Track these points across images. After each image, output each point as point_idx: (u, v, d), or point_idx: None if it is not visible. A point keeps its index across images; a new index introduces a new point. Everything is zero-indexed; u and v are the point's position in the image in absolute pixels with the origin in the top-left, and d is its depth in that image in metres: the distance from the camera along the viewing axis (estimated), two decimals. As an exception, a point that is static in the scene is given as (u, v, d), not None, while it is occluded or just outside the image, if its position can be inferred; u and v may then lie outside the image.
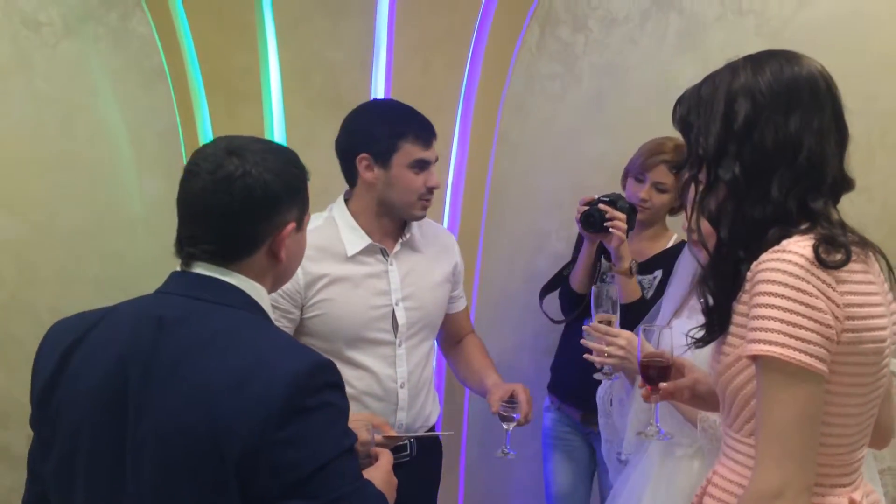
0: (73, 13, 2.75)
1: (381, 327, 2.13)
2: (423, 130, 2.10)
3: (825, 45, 2.81)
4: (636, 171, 2.56)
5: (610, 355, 2.01)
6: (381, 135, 2.08)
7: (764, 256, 1.31)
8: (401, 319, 2.14)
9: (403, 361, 2.15)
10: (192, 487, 1.24)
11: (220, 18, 2.62)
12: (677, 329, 1.75)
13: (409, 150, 2.07)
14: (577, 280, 2.59)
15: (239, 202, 1.30)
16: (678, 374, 1.71)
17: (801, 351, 1.24)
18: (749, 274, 1.33)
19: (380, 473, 1.50)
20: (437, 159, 2.14)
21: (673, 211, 2.60)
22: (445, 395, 2.92)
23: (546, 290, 2.74)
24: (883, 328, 1.34)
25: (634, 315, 2.31)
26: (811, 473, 1.28)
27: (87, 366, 1.34)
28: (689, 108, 1.44)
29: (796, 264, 1.27)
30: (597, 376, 2.11)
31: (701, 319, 1.60)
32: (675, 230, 2.64)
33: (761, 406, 1.29)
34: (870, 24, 2.90)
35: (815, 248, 1.28)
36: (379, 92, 2.69)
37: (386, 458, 1.55)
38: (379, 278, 2.13)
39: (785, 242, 1.31)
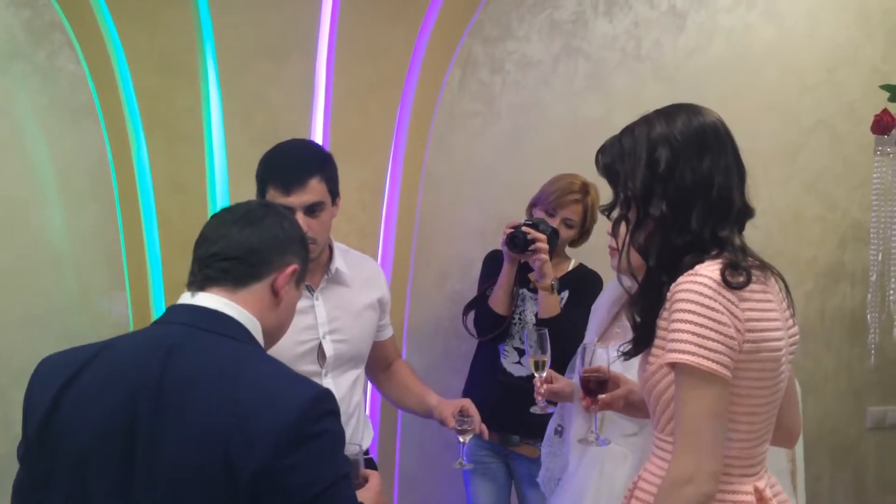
0: (0, 52, 2.68)
1: (307, 360, 2.12)
2: (282, 177, 2.04)
3: (712, 89, 3.11)
4: (547, 206, 2.71)
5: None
6: (257, 181, 2.10)
7: (680, 279, 1.49)
8: (328, 352, 2.14)
9: (331, 390, 2.17)
10: None
11: (161, 58, 2.58)
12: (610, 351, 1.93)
13: (272, 195, 2.04)
14: (497, 301, 2.69)
15: (260, 230, 1.45)
16: (614, 387, 1.89)
17: (708, 359, 1.43)
18: (668, 294, 1.51)
19: (371, 494, 1.56)
20: (308, 207, 2.03)
21: (573, 243, 2.79)
22: (381, 418, 3.01)
23: (469, 307, 2.82)
24: (778, 339, 1.52)
25: (554, 328, 2.43)
26: (719, 462, 1.45)
27: (91, 400, 1.34)
28: (613, 158, 1.61)
29: (706, 286, 1.45)
30: (533, 410, 2.23)
31: (612, 347, 1.87)
32: (574, 257, 2.81)
33: (677, 406, 1.48)
34: (749, 71, 3.20)
35: (722, 272, 1.47)
36: (317, 132, 2.71)
37: (375, 480, 1.60)
38: (305, 314, 2.11)
39: (697, 267, 1.49)
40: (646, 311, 1.59)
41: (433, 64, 2.91)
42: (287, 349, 2.03)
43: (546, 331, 2.18)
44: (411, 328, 3.07)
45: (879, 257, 2.86)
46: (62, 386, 1.36)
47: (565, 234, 2.71)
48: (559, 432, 2.48)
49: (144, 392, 1.32)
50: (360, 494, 1.50)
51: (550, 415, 2.43)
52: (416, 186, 2.99)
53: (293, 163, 2.08)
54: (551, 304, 2.62)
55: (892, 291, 2.79)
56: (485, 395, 2.71)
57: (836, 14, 3.27)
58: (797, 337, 1.64)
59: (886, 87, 2.68)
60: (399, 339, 3.03)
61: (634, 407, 1.89)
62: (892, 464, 3.45)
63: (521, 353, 2.73)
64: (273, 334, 1.50)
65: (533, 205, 2.78)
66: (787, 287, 1.62)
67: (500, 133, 3.13)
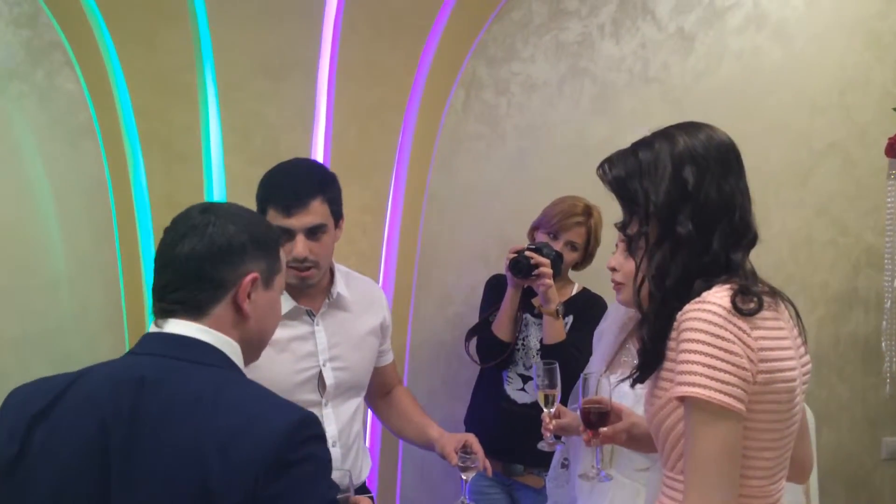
0: (-1, 71, 2.65)
1: (307, 389, 2.04)
2: (283, 198, 1.95)
3: (722, 111, 3.03)
4: (550, 229, 2.64)
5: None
6: (257, 200, 2.00)
7: (688, 307, 1.40)
8: (328, 380, 2.05)
9: (332, 421, 2.06)
10: None
11: (159, 78, 2.54)
12: (615, 382, 1.84)
13: (273, 216, 1.94)
14: (500, 327, 2.61)
15: (203, 246, 1.33)
16: (616, 419, 1.78)
17: (720, 392, 1.33)
18: (675, 322, 1.41)
19: None
20: (309, 229, 1.95)
21: (577, 266, 2.71)
22: (381, 447, 2.93)
23: (471, 334, 2.74)
24: (792, 369, 1.43)
25: (559, 354, 2.38)
26: (732, 503, 1.35)
27: (63, 433, 1.27)
28: (628, 172, 1.51)
29: (715, 314, 1.36)
30: (540, 446, 2.12)
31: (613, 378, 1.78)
32: (577, 280, 2.74)
33: (688, 442, 1.38)
34: (759, 93, 3.14)
35: (732, 299, 1.37)
36: (318, 153, 2.67)
37: None
38: (305, 340, 2.04)
39: (705, 294, 1.40)
40: (656, 333, 1.48)
41: (437, 85, 2.86)
42: (286, 377, 1.99)
43: (556, 364, 2.07)
44: (413, 353, 3.00)
45: (894, 283, 2.77)
46: (32, 420, 1.30)
47: (569, 257, 2.64)
48: (566, 465, 2.39)
49: (116, 427, 1.25)
50: None
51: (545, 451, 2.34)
52: (418, 209, 2.93)
53: (294, 183, 1.98)
54: (557, 329, 2.54)
55: (907, 318, 2.70)
56: (487, 422, 2.64)
57: (846, 37, 3.21)
58: (809, 366, 1.55)
59: (900, 109, 2.61)
60: (400, 363, 2.97)
61: (638, 441, 1.79)
62: (909, 497, 3.34)
63: (525, 379, 2.65)
64: (257, 343, 1.41)
65: (535, 228, 2.72)
66: (797, 314, 1.53)
67: (505, 155, 3.07)
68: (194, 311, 1.33)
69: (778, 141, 3.15)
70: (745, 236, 1.48)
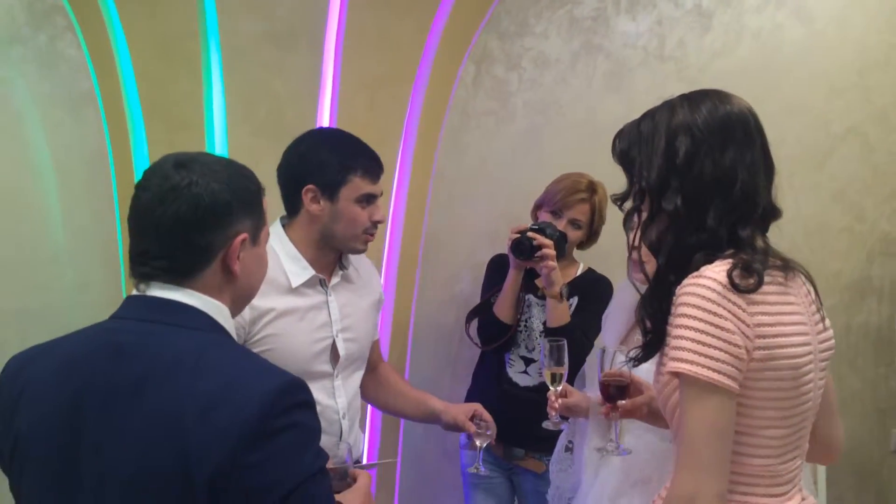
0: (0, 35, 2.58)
1: (321, 360, 2.02)
2: (372, 165, 1.99)
3: (739, 91, 2.92)
4: (553, 206, 2.55)
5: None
6: (329, 167, 1.96)
7: (685, 281, 1.36)
8: (341, 351, 2.03)
9: (342, 392, 2.06)
10: None
11: (163, 44, 2.46)
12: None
13: (358, 185, 1.96)
14: (502, 309, 2.54)
15: (186, 211, 1.22)
16: (636, 393, 1.75)
17: (709, 368, 1.29)
18: (674, 297, 1.37)
19: (359, 496, 1.42)
20: (382, 193, 2.04)
21: (581, 245, 2.63)
22: (382, 432, 2.88)
23: (472, 315, 2.68)
24: (798, 345, 1.38)
25: (564, 337, 2.24)
26: (723, 481, 1.31)
27: (34, 401, 1.22)
28: (630, 144, 1.47)
29: (710, 288, 1.32)
30: (545, 425, 2.08)
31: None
32: (581, 260, 2.67)
33: (679, 419, 1.35)
34: (777, 73, 3.05)
35: (729, 274, 1.32)
36: (324, 124, 2.61)
37: (364, 480, 1.47)
38: (320, 310, 2.02)
39: (703, 268, 1.35)
40: (655, 312, 1.45)
41: (446, 58, 2.78)
42: (305, 347, 1.97)
43: (564, 342, 2.02)
44: (416, 332, 2.94)
45: (912, 271, 2.70)
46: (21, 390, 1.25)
47: (573, 235, 2.55)
48: (570, 448, 2.34)
49: (91, 395, 1.19)
50: (347, 495, 1.37)
51: (561, 430, 2.28)
52: (425, 185, 2.86)
53: (371, 152, 2.02)
54: (561, 312, 2.46)
55: (924, 307, 2.63)
56: (488, 405, 2.55)
57: (868, 17, 3.11)
58: (832, 342, 1.48)
59: (924, 91, 2.53)
60: (403, 342, 2.91)
61: (657, 416, 1.74)
62: (918, 489, 3.28)
63: (528, 362, 2.59)
64: (246, 298, 1.35)
65: (538, 206, 2.63)
66: (815, 288, 1.46)
67: (515, 133, 2.99)
68: (179, 276, 1.25)
69: (795, 123, 3.06)
70: (752, 211, 1.40)
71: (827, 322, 1.49)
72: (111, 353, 1.21)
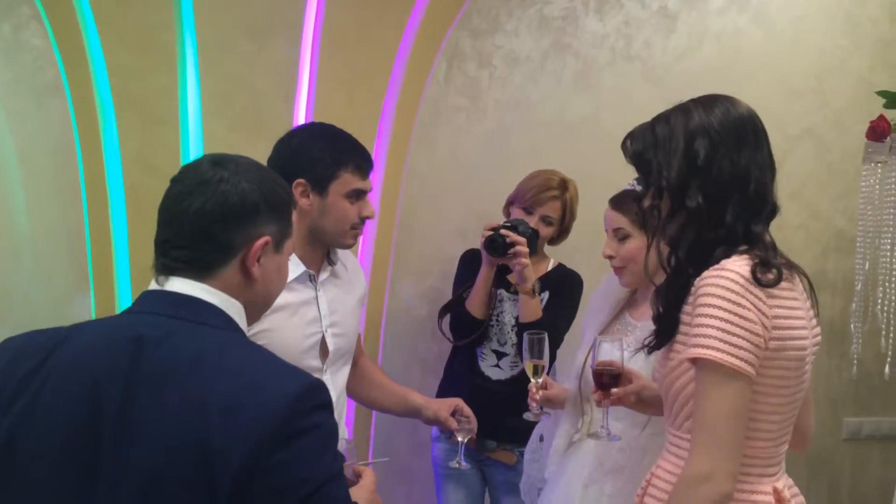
0: (-38, 23, 2.50)
1: (311, 354, 2.01)
2: (363, 161, 2.00)
3: (701, 92, 3.02)
4: (525, 203, 2.59)
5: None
6: (321, 162, 1.96)
7: (706, 273, 1.44)
8: (330, 346, 2.04)
9: (331, 387, 2.03)
10: None
11: (136, 36, 2.41)
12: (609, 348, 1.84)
13: (348, 180, 1.96)
14: (474, 304, 2.57)
15: (213, 204, 1.23)
16: (626, 382, 1.81)
17: (732, 355, 1.38)
18: (693, 288, 1.46)
19: (365, 493, 1.42)
20: (371, 189, 2.06)
21: (552, 241, 2.67)
22: (354, 426, 2.87)
23: (444, 310, 2.70)
24: (803, 338, 1.48)
25: None
26: (737, 462, 1.40)
27: (51, 394, 1.19)
28: (645, 146, 1.54)
29: (735, 281, 1.40)
30: (526, 416, 2.11)
31: (626, 341, 1.90)
32: (552, 256, 2.72)
33: (697, 402, 1.42)
34: (738, 76, 3.11)
35: (753, 269, 1.42)
36: (300, 120, 2.59)
37: (370, 478, 1.47)
38: (310, 305, 2.02)
39: (724, 262, 1.44)
40: (670, 303, 1.54)
41: (420, 55, 2.79)
42: (296, 342, 1.97)
43: (545, 335, 2.06)
44: (388, 326, 2.95)
45: (866, 266, 2.81)
46: (21, 381, 1.21)
47: (544, 231, 2.60)
48: (543, 439, 2.38)
49: (110, 388, 1.17)
50: (354, 493, 1.37)
51: (534, 422, 2.32)
52: (398, 181, 2.87)
53: (363, 148, 2.03)
54: (533, 307, 2.50)
55: (880, 301, 2.74)
56: (461, 398, 2.62)
57: (826, 21, 3.22)
58: (819, 338, 1.58)
59: (883, 94, 2.63)
60: (376, 336, 2.92)
61: (646, 404, 1.83)
62: (867, 476, 3.41)
63: (500, 356, 2.62)
64: (261, 306, 1.34)
65: (510, 202, 2.67)
66: (812, 287, 1.56)
67: (486, 130, 3.02)
68: (199, 271, 1.25)
69: (756, 123, 3.16)
70: (763, 208, 1.50)
71: (817, 319, 1.58)
72: (132, 346, 1.19)
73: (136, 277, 2.51)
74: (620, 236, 2.10)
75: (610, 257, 2.09)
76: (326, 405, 1.20)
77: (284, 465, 1.13)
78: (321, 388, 1.21)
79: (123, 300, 2.57)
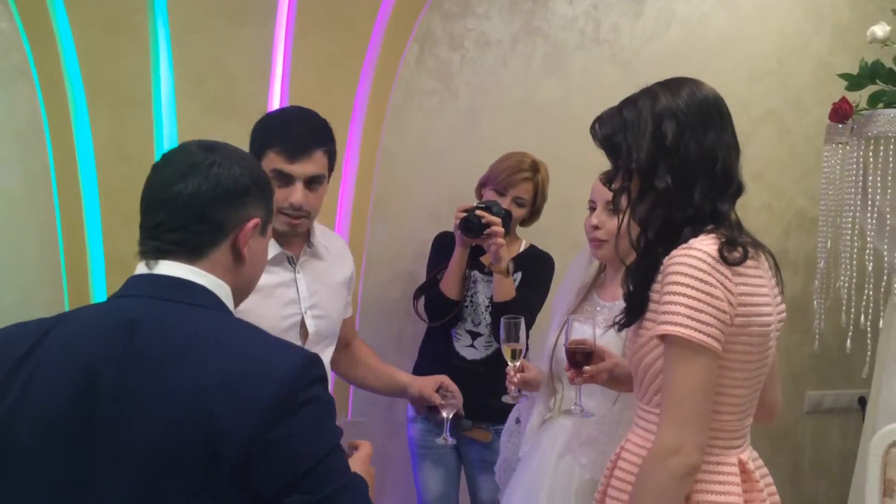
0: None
1: (290, 337, 2.01)
2: (290, 143, 1.92)
3: (668, 75, 3.10)
4: (498, 185, 2.63)
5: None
6: (254, 140, 1.95)
7: (675, 252, 1.48)
8: (310, 328, 2.04)
9: None
10: (180, 497, 1.15)
11: (107, 18, 2.37)
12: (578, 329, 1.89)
13: (272, 159, 1.90)
14: (448, 286, 2.61)
15: (208, 186, 1.27)
16: (599, 360, 1.86)
17: (700, 331, 1.43)
18: (662, 267, 1.50)
19: (360, 465, 1.44)
20: (310, 178, 1.94)
21: (524, 222, 2.73)
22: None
23: (419, 292, 2.73)
24: (768, 314, 1.53)
25: (508, 311, 2.35)
26: (704, 434, 1.45)
27: (43, 378, 1.20)
28: (614, 130, 1.58)
29: (702, 260, 1.45)
30: (504, 398, 2.16)
31: (596, 320, 1.96)
32: (524, 237, 2.77)
33: (666, 378, 1.47)
34: (703, 59, 3.18)
35: (720, 248, 1.46)
36: (275, 103, 2.60)
37: (366, 450, 1.49)
38: (288, 287, 2.02)
39: (692, 241, 1.48)
40: (640, 281, 1.58)
41: (393, 38, 2.78)
42: (272, 324, 1.94)
43: (521, 319, 2.10)
44: (364, 307, 2.96)
45: (829, 244, 2.90)
46: (13, 365, 1.22)
47: (517, 213, 2.65)
48: (520, 421, 2.43)
49: (106, 370, 1.18)
50: (350, 463, 1.40)
51: (512, 404, 2.36)
52: (372, 164, 2.87)
53: (302, 130, 1.95)
54: (507, 287, 2.55)
55: (842, 277, 2.83)
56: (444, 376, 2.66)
57: (787, 6, 3.30)
58: (784, 315, 1.64)
59: (845, 77, 2.70)
60: (351, 318, 2.93)
61: (618, 381, 1.88)
62: (827, 448, 3.53)
63: (474, 336, 2.66)
64: (245, 288, 1.38)
65: (483, 184, 2.71)
66: (777, 265, 1.61)
67: (457, 112, 3.04)
68: (191, 253, 1.28)
69: (721, 106, 3.23)
70: (729, 187, 1.55)
71: (782, 297, 1.64)
72: (125, 328, 1.20)
73: (110, 261, 2.48)
74: (611, 209, 2.12)
75: (595, 228, 2.09)
76: (324, 378, 1.24)
77: (288, 438, 1.16)
78: (318, 361, 1.24)
79: (97, 283, 2.54)
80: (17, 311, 2.50)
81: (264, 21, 2.53)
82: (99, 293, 2.53)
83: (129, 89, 2.45)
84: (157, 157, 2.48)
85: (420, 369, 2.74)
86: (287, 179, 1.93)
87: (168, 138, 2.49)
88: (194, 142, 1.34)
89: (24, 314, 2.45)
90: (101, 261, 2.50)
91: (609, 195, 2.09)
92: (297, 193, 1.93)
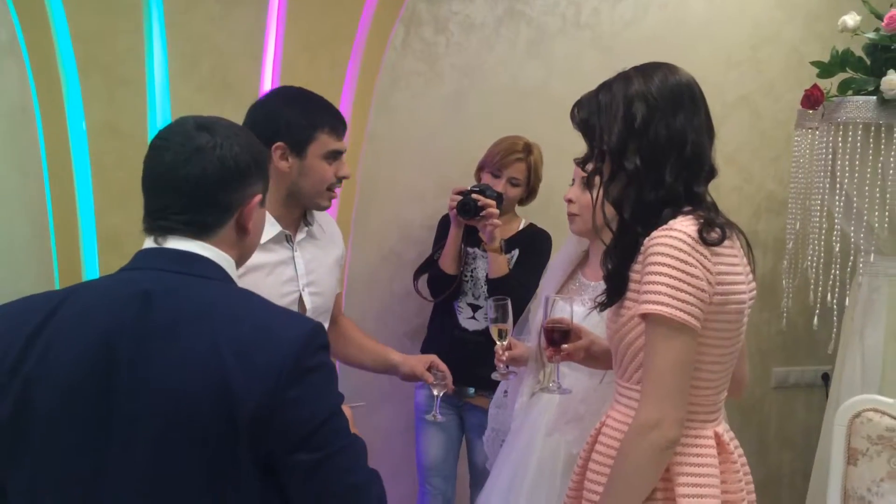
0: None
1: None
2: (338, 122, 2.07)
3: (647, 60, 3.18)
4: (493, 167, 2.80)
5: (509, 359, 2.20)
6: (297, 125, 2.02)
7: (655, 233, 1.54)
8: (308, 304, 2.11)
9: None
10: (198, 458, 1.22)
11: (100, -3, 2.43)
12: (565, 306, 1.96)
13: (325, 141, 2.03)
14: (445, 263, 2.77)
15: (213, 171, 1.31)
16: (576, 338, 1.94)
17: (680, 310, 1.48)
18: (642, 248, 1.55)
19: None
20: (346, 149, 2.10)
21: (522, 201, 2.89)
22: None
23: (419, 272, 2.89)
24: (742, 293, 1.59)
25: (503, 288, 2.58)
26: (683, 409, 1.52)
27: (58, 351, 1.25)
28: (590, 113, 1.65)
29: (682, 241, 1.51)
30: (494, 376, 2.27)
31: (581, 300, 2.00)
32: (523, 216, 2.90)
33: (647, 355, 1.53)
34: (681, 45, 3.27)
35: (700, 229, 1.52)
36: (267, 83, 2.63)
37: (348, 415, 1.59)
38: (286, 265, 2.09)
39: (672, 222, 1.54)
40: (619, 261, 1.63)
41: (381, 20, 2.83)
42: (273, 300, 1.98)
43: (508, 301, 2.20)
44: (350, 287, 3.02)
45: (797, 226, 3.01)
46: (27, 339, 1.26)
47: (512, 192, 2.80)
48: (507, 393, 2.52)
49: (121, 340, 1.23)
50: None
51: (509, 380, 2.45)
52: (359, 145, 2.93)
53: (336, 110, 2.10)
54: (500, 264, 2.70)
55: (809, 258, 2.95)
56: (442, 350, 2.73)
57: (762, -7, 3.41)
58: (755, 293, 1.71)
59: (816, 64, 2.81)
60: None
61: (595, 358, 1.94)
62: (792, 421, 3.68)
63: (475, 308, 2.82)
64: (245, 255, 1.45)
65: (480, 167, 2.86)
66: (749, 245, 1.69)
67: (442, 95, 3.10)
68: (199, 231, 1.34)
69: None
70: (701, 169, 1.61)
71: (754, 275, 1.71)
72: (139, 299, 1.26)
73: (102, 239, 2.51)
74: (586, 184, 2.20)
75: (569, 201, 2.20)
76: (328, 346, 1.33)
77: (298, 401, 1.24)
78: (323, 330, 1.33)
79: (88, 262, 2.56)
80: (7, 292, 2.53)
81: (256, 1, 2.56)
82: (90, 271, 2.56)
83: (123, 69, 2.47)
84: (150, 137, 2.54)
85: (428, 343, 2.91)
86: (337, 155, 2.07)
87: (161, 117, 2.52)
88: (189, 119, 1.36)
89: (14, 292, 2.50)
90: (93, 239, 2.52)
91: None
92: (346, 166, 2.09)
